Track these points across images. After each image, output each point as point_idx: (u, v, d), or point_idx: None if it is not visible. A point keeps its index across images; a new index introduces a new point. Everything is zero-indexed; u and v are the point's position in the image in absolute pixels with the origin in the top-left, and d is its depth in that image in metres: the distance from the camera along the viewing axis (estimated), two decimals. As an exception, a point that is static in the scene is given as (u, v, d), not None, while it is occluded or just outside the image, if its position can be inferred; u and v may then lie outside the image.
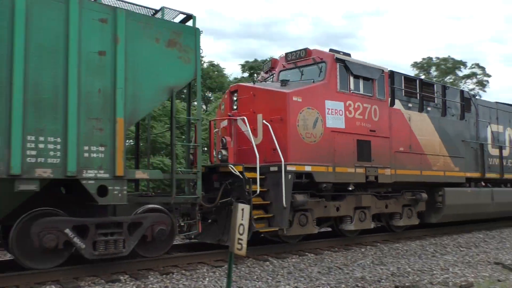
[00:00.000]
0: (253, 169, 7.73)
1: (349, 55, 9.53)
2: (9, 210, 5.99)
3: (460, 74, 43.35)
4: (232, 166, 7.62)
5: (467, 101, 12.28)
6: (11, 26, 5.47)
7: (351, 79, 9.22)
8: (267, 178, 8.04)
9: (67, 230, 5.92)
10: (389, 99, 9.95)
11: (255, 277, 6.45)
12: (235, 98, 8.98)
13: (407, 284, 6.11)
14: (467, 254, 8.69)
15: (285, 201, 7.75)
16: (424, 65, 43.80)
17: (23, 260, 5.95)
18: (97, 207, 6.22)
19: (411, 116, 10.48)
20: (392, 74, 10.24)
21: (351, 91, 9.18)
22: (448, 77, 42.93)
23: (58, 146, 5.78)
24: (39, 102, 5.67)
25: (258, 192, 7.62)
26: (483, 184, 12.56)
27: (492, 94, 66.99)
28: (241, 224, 3.71)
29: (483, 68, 43.33)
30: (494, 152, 12.98)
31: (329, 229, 10.43)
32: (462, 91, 12.48)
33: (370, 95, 9.51)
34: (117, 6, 6.63)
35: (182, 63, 7.01)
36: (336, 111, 8.87)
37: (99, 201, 6.06)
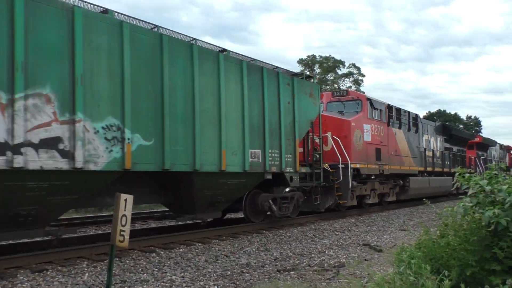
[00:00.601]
0: (330, 166, 12.50)
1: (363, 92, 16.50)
2: (250, 189, 10.02)
3: (340, 72, 47.25)
4: (326, 164, 12.32)
5: (415, 120, 18.20)
6: (261, 90, 9.89)
7: (373, 110, 14.55)
8: (337, 171, 12.41)
9: (270, 201, 10.24)
10: (387, 122, 15.44)
11: (140, 269, 6.25)
12: None
13: (288, 267, 6.50)
14: (341, 237, 9.55)
15: (350, 185, 12.67)
16: (309, 62, 46.73)
17: (250, 217, 10.23)
18: (276, 189, 10.60)
19: (396, 132, 16.14)
20: (388, 105, 15.66)
21: (373, 118, 14.51)
22: (329, 75, 46.48)
23: (277, 155, 10.25)
24: (272, 131, 10.11)
25: (341, 179, 12.42)
26: (425, 174, 18.74)
27: (366, 92, 74.65)
28: (124, 215, 3.54)
29: (358, 68, 47.90)
30: (428, 153, 19.26)
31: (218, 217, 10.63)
32: (415, 114, 18.43)
33: (379, 120, 14.92)
34: (279, 69, 10.86)
35: (313, 106, 11.75)
36: (367, 130, 14.07)
37: (289, 185, 10.69)
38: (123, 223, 3.66)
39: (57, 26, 6.16)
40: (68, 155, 6.22)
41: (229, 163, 8.89)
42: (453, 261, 3.80)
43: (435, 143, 20.31)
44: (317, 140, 12.14)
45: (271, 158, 9.96)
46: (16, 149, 5.68)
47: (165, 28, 8.02)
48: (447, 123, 32.32)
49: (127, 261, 6.64)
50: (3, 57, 5.57)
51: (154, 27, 7.86)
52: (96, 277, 5.72)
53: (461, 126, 53.96)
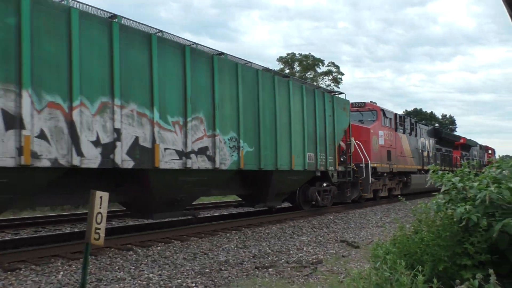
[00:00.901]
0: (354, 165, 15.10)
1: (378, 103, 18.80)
2: (303, 183, 12.64)
3: (319, 70, 47.59)
4: (353, 164, 14.86)
5: (414, 125, 20.99)
6: (313, 107, 12.62)
7: (385, 119, 17.48)
8: (360, 170, 14.97)
9: (316, 193, 12.93)
10: (395, 128, 18.37)
11: (117, 267, 6.18)
12: None
13: (266, 264, 6.53)
14: (319, 234, 9.64)
15: (370, 180, 15.37)
16: (288, 60, 46.91)
17: (302, 205, 12.98)
18: (318, 183, 13.17)
19: (401, 136, 19.07)
20: (395, 114, 18.66)
21: (385, 125, 17.41)
22: (308, 73, 46.77)
23: (324, 157, 12.91)
24: (320, 139, 12.81)
25: (363, 176, 15.02)
26: (423, 172, 21.25)
27: (344, 90, 75.65)
28: (99, 213, 3.49)
29: (337, 67, 48.32)
30: (424, 154, 22.10)
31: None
32: (414, 120, 21.71)
33: (390, 126, 17.90)
34: (322, 88, 14.02)
35: (346, 117, 14.48)
36: (381, 135, 16.94)
37: (333, 180, 13.46)
38: (98, 221, 3.60)
39: (206, 72, 9.08)
40: (211, 159, 9.03)
41: (296, 164, 11.68)
42: (426, 257, 3.87)
43: (428, 144, 23.00)
44: (343, 145, 15.09)
45: (320, 159, 12.78)
46: (188, 155, 8.45)
47: (257, 64, 11.07)
48: (436, 125, 36.07)
49: (103, 260, 6.55)
50: (181, 94, 8.43)
51: (248, 62, 10.70)
52: (71, 276, 5.62)
53: (437, 124, 55.23)
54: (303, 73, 46.08)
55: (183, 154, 8.32)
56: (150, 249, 7.42)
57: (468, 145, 31.58)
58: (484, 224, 3.50)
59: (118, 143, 7.16)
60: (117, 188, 8.09)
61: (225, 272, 6.07)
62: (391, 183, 18.37)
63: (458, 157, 28.79)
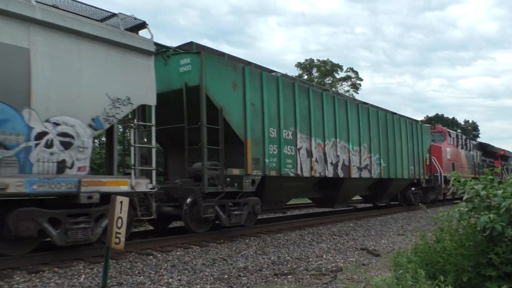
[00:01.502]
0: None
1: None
2: (405, 187, 17.98)
3: (338, 76, 47.26)
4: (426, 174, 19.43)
5: (467, 141, 25.66)
6: (412, 133, 17.83)
7: (450, 138, 22.54)
8: (435, 178, 19.73)
9: (411, 195, 18.28)
10: (456, 145, 23.17)
11: (137, 271, 6.24)
12: None
13: (285, 271, 6.49)
14: (339, 241, 9.54)
15: (442, 185, 19.68)
16: (306, 66, 46.77)
17: (403, 204, 18.24)
18: (405, 188, 18.17)
19: (460, 152, 23.80)
20: (456, 134, 23.88)
21: (450, 143, 22.38)
22: (327, 79, 46.50)
23: (417, 168, 18.02)
24: (417, 155, 18.07)
25: (438, 183, 19.77)
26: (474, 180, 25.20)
27: (363, 96, 75.05)
28: (120, 217, 3.54)
29: (356, 72, 47.88)
30: (475, 164, 26.72)
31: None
32: (467, 138, 26.65)
33: (453, 144, 22.81)
34: (413, 120, 19.01)
35: (428, 139, 19.71)
36: (448, 152, 21.85)
37: (423, 186, 18.81)
38: (119, 225, 3.66)
39: (359, 115, 14.06)
40: (369, 171, 14.33)
41: (404, 174, 16.72)
42: (449, 266, 3.79)
43: (476, 156, 27.54)
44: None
45: (416, 170, 17.74)
46: (360, 169, 13.93)
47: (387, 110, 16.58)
48: (479, 139, 42.13)
49: (124, 264, 6.63)
50: (356, 132, 13.84)
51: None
52: (93, 279, 5.71)
53: (459, 130, 54.17)
54: (321, 79, 45.85)
55: (359, 169, 13.76)
56: (170, 254, 7.47)
57: (506, 156, 36.33)
58: (510, 234, 3.40)
59: (338, 163, 12.71)
60: (320, 189, 13.02)
61: (244, 278, 6.06)
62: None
63: (499, 166, 32.15)
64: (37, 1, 6.48)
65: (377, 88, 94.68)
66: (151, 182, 7.66)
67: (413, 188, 18.14)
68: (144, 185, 7.51)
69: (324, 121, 12.12)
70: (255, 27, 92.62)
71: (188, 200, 8.63)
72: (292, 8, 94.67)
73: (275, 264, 7.06)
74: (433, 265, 3.91)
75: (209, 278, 5.99)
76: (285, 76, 12.74)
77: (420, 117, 76.11)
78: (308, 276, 6.24)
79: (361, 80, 49.28)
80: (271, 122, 10.27)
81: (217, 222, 9.19)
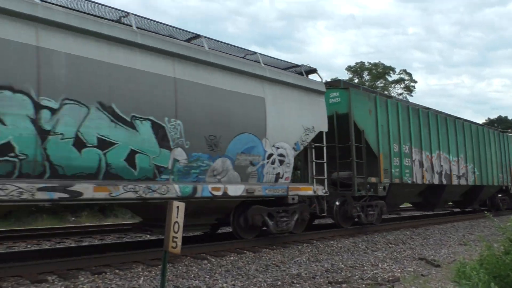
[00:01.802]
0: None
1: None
2: (493, 193, 19.36)
3: (390, 79, 45.72)
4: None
5: None
6: (500, 145, 19.73)
7: None
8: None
9: (498, 199, 19.91)
10: None
11: (192, 275, 6.38)
12: None
13: (339, 280, 6.35)
14: (395, 250, 9.19)
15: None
16: (357, 69, 45.69)
17: (491, 209, 18.63)
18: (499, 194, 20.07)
19: None
20: None
21: None
22: (379, 82, 45.14)
23: (505, 176, 19.77)
24: (504, 165, 19.79)
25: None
26: None
27: (418, 98, 71.96)
28: (176, 222, 3.64)
29: (410, 74, 46.03)
30: None
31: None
32: None
33: None
34: (495, 129, 20.90)
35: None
36: None
37: (510, 192, 20.51)
38: (176, 229, 3.76)
39: (454, 130, 16.18)
40: (466, 179, 16.19)
41: (494, 181, 18.32)
42: (520, 280, 3.52)
43: None
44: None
45: (504, 178, 19.44)
46: (459, 177, 15.83)
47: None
48: None
49: (180, 267, 6.80)
50: (455, 145, 15.84)
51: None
52: (151, 281, 5.90)
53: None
54: (373, 82, 44.64)
55: (458, 177, 15.62)
56: (224, 259, 7.57)
57: None
58: None
59: (442, 172, 14.74)
60: (422, 195, 14.79)
61: (297, 285, 6.00)
62: None
63: None
64: (265, 64, 9.39)
65: (432, 90, 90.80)
66: (324, 188, 10.36)
67: (500, 195, 19.73)
68: (320, 190, 10.24)
69: (431, 136, 14.42)
70: (303, 32, 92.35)
71: (337, 202, 11.26)
72: (341, 11, 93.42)
73: (328, 271, 6.93)
74: (502, 279, 3.66)
75: (262, 284, 5.99)
76: (381, 94, 14.53)
77: (481, 119, 72.11)
78: (363, 286, 6.06)
79: (415, 82, 47.45)
80: (394, 139, 12.67)
81: (356, 220, 11.67)
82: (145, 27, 7.72)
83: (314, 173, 10.35)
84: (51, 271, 6.15)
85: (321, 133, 10.38)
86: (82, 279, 5.91)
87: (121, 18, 7.42)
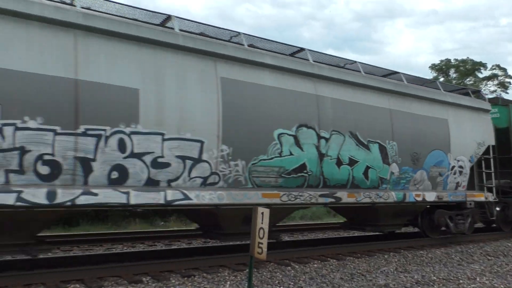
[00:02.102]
0: None
1: None
2: None
3: (480, 76, 41.97)
4: None
5: None
6: None
7: None
8: None
9: None
10: None
11: (277, 281, 6.41)
12: None
13: (432, 292, 5.95)
14: (495, 263, 8.40)
15: None
16: (442, 67, 42.65)
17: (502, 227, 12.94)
18: None
19: None
20: None
21: None
22: (468, 79, 41.66)
23: None
24: None
25: None
26: None
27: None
28: (261, 228, 3.69)
29: (504, 70, 41.76)
30: None
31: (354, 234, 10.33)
32: None
33: None
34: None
35: None
36: None
37: None
38: (261, 235, 3.82)
39: None
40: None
41: None
42: None
43: None
44: None
45: None
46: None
47: None
48: None
49: (264, 273, 6.87)
50: None
51: None
52: (237, 286, 6.04)
53: None
54: (461, 80, 41.40)
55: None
56: (307, 266, 7.51)
57: None
58: None
59: None
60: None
61: (386, 296, 5.74)
62: None
63: None
64: (445, 91, 11.11)
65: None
66: (493, 195, 11.67)
67: None
68: (490, 197, 11.49)
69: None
70: (381, 32, 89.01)
71: (498, 207, 12.21)
72: (422, 7, 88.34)
73: (419, 283, 6.53)
74: None
75: (348, 294, 5.83)
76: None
77: None
78: (460, 300, 5.61)
79: (511, 77, 43.13)
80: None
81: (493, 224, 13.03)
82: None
83: (484, 182, 11.85)
84: (145, 272, 6.57)
85: (488, 146, 11.72)
86: (173, 281, 6.23)
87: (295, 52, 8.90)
